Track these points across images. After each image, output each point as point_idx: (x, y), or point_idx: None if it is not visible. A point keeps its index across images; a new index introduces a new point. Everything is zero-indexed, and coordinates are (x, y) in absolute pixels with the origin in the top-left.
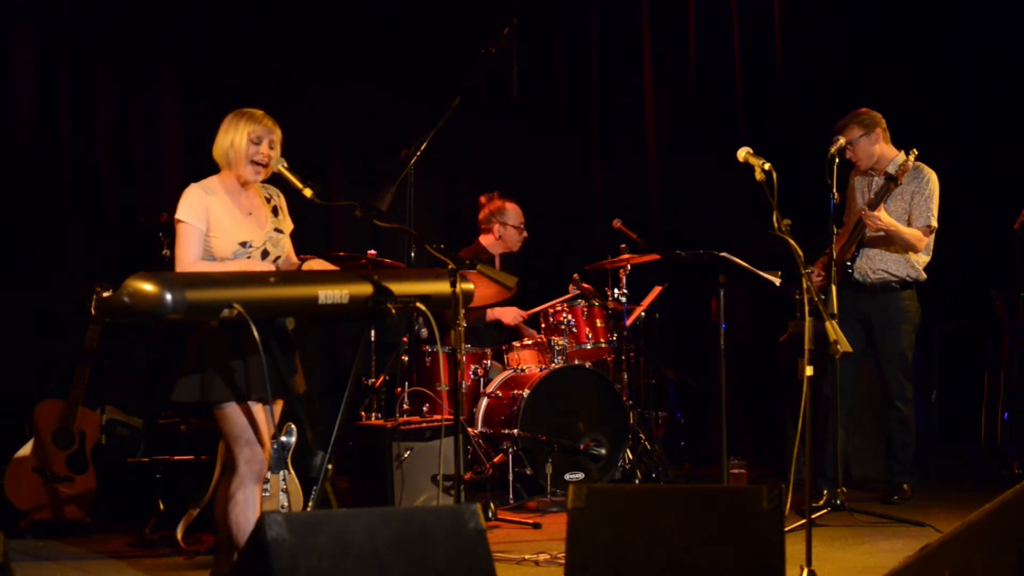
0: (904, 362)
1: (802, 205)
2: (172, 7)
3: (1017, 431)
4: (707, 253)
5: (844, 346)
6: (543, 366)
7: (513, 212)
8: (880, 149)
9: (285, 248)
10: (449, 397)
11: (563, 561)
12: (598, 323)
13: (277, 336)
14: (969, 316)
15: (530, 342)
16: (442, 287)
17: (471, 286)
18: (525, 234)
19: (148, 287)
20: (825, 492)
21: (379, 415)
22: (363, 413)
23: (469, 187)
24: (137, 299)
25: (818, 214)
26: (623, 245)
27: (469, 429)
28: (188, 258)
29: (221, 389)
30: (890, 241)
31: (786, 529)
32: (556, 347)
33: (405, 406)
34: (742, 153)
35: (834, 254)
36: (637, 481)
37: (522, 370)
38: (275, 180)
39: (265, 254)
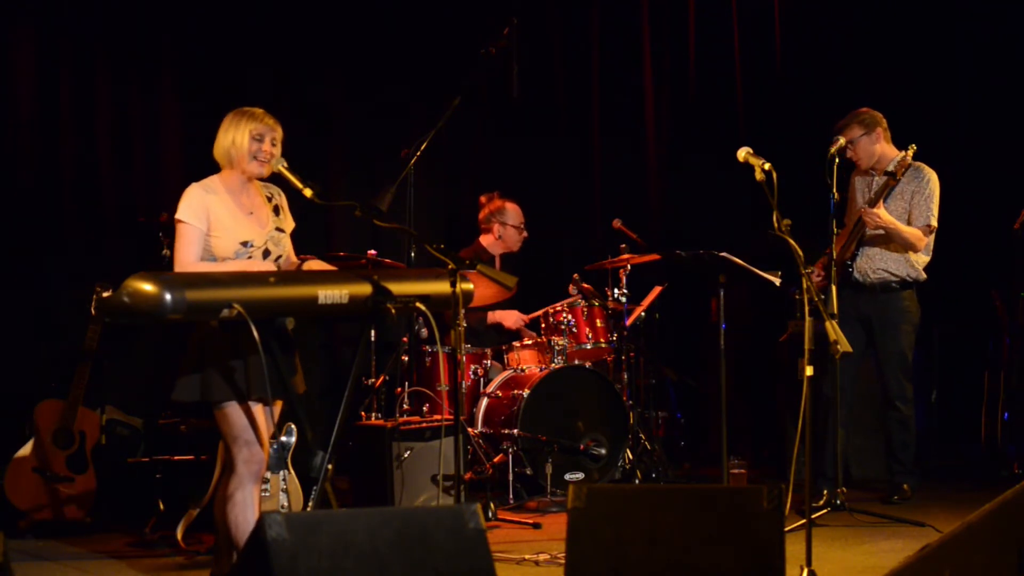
0: (904, 362)
1: (802, 205)
2: (172, 7)
3: (1017, 431)
4: (707, 253)
5: (844, 346)
6: (543, 366)
7: (513, 212)
8: (881, 149)
9: (286, 247)
10: (449, 397)
11: (563, 561)
12: (598, 323)
13: (277, 336)
14: (969, 316)
15: (530, 342)
16: (442, 287)
17: (471, 286)
18: (525, 234)
19: (148, 287)
20: (825, 492)
21: (379, 415)
22: (363, 413)
23: (469, 187)
24: (137, 299)
25: (818, 214)
26: (623, 245)
27: (469, 429)
28: (187, 258)
29: (221, 389)
30: (889, 240)
31: (786, 529)
32: (556, 347)
33: (405, 406)
34: (742, 153)
35: (834, 254)
36: (637, 481)
37: (522, 370)
38: (275, 180)
39: (266, 253)
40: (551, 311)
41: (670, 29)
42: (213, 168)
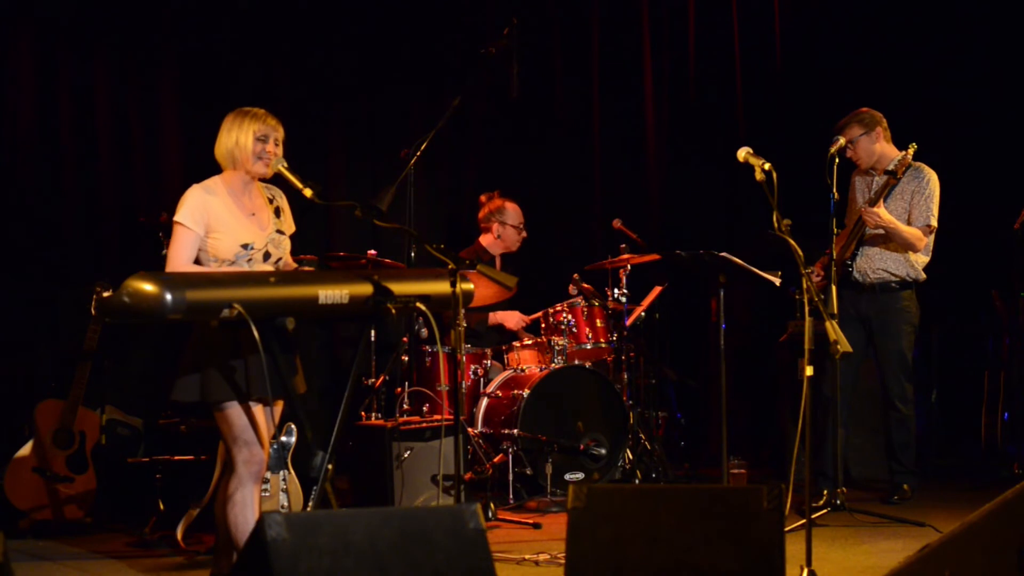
0: (904, 362)
1: (802, 205)
2: (172, 7)
3: (1017, 431)
4: (707, 253)
5: (844, 346)
6: (543, 366)
7: (513, 212)
8: (881, 148)
9: (286, 250)
10: (449, 397)
11: (563, 561)
12: (598, 323)
13: (277, 336)
14: (969, 316)
15: (530, 342)
16: (442, 287)
17: (471, 286)
18: (524, 234)
19: (148, 287)
20: (825, 492)
21: (379, 415)
22: (363, 413)
23: (469, 187)
24: (137, 299)
25: (818, 214)
26: (623, 245)
27: (469, 429)
28: (179, 260)
29: (221, 389)
30: (889, 240)
31: (786, 529)
32: (556, 347)
33: (405, 406)
34: (742, 153)
35: (834, 254)
36: (637, 481)
37: (522, 370)
38: (275, 180)
39: (267, 256)
40: (551, 311)
41: (670, 29)
42: (213, 168)
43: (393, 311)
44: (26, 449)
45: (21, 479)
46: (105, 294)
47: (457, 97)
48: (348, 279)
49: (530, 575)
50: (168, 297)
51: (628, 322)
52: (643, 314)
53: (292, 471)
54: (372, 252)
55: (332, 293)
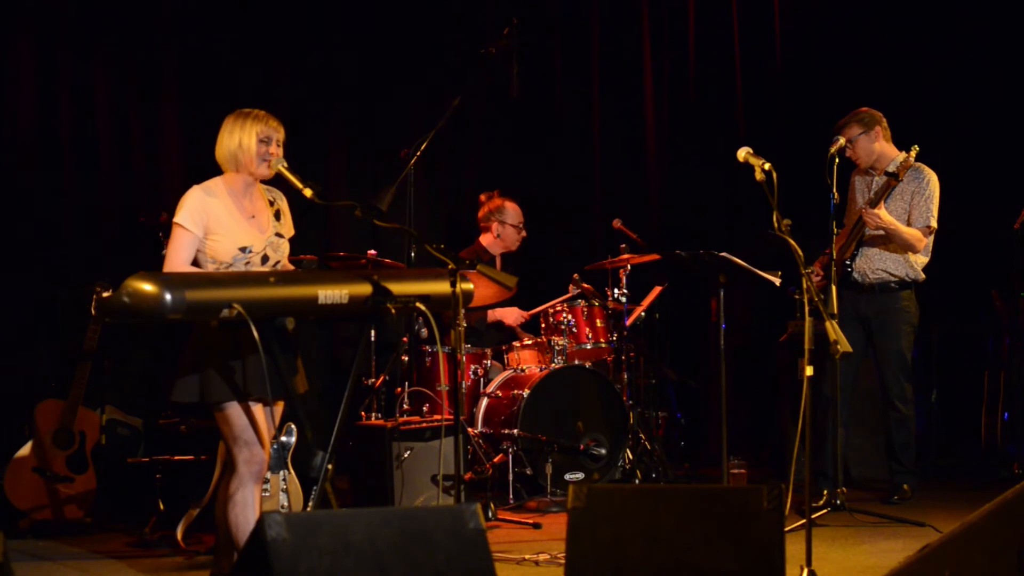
0: (903, 362)
1: (802, 205)
2: (172, 7)
3: (1017, 431)
4: (707, 253)
5: (844, 346)
6: (543, 366)
7: (512, 211)
8: (880, 148)
9: (284, 253)
10: (449, 397)
11: (563, 561)
12: (598, 323)
13: (277, 336)
14: (969, 316)
15: (530, 342)
16: (442, 287)
17: (471, 286)
18: (524, 233)
19: (148, 287)
20: (825, 492)
21: (379, 415)
22: (363, 413)
23: (469, 187)
24: (137, 299)
25: (818, 214)
26: (623, 245)
27: (469, 429)
28: (177, 261)
29: (220, 389)
30: (889, 240)
31: (786, 529)
32: (556, 347)
33: (405, 406)
34: (742, 153)
35: (834, 254)
36: (637, 481)
37: (522, 370)
38: (275, 180)
39: (265, 259)
40: (551, 310)
41: (670, 29)
42: (213, 169)
43: (393, 311)
44: (26, 449)
45: (21, 479)
46: (105, 294)
47: (457, 97)
48: (348, 279)
49: (530, 575)
50: (168, 297)
51: (628, 322)
52: (643, 314)
53: (292, 471)
54: (372, 252)
55: (332, 293)
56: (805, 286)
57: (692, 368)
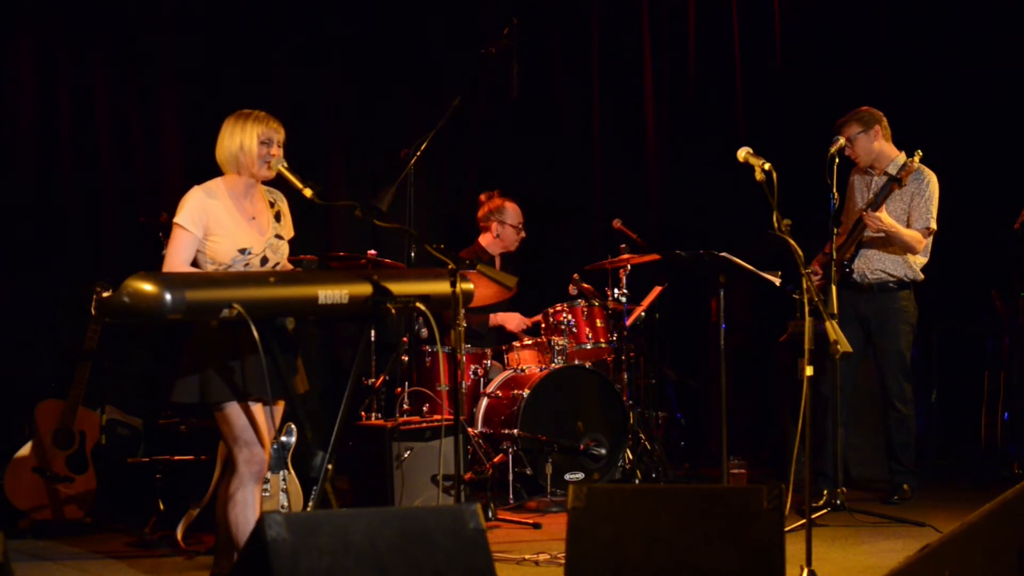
0: (902, 362)
1: (802, 205)
2: (172, 7)
3: (1017, 431)
4: (707, 253)
5: (844, 346)
6: (543, 366)
7: (512, 211)
8: (879, 147)
9: (284, 255)
10: (449, 397)
11: (563, 561)
12: (598, 323)
13: (277, 336)
14: (969, 316)
15: (530, 342)
16: (442, 287)
17: (471, 286)
18: (523, 234)
19: (148, 287)
20: (825, 492)
21: (379, 415)
22: (363, 413)
23: (469, 187)
24: (137, 299)
25: (818, 214)
26: (623, 245)
27: (469, 429)
28: (176, 261)
29: (220, 390)
30: (889, 242)
31: (786, 529)
32: (556, 347)
33: (405, 406)
34: (742, 153)
35: (834, 254)
36: (637, 481)
37: (522, 370)
38: (276, 181)
39: (264, 261)
40: (551, 311)
41: (670, 29)
42: (213, 168)
43: (393, 311)
44: (26, 449)
45: (21, 479)
46: (105, 294)
47: (457, 97)
48: (348, 279)
49: (530, 575)
50: (168, 297)
51: (628, 322)
52: (643, 314)
53: (292, 471)
54: (372, 252)
55: (332, 293)
56: (805, 286)
57: (692, 368)
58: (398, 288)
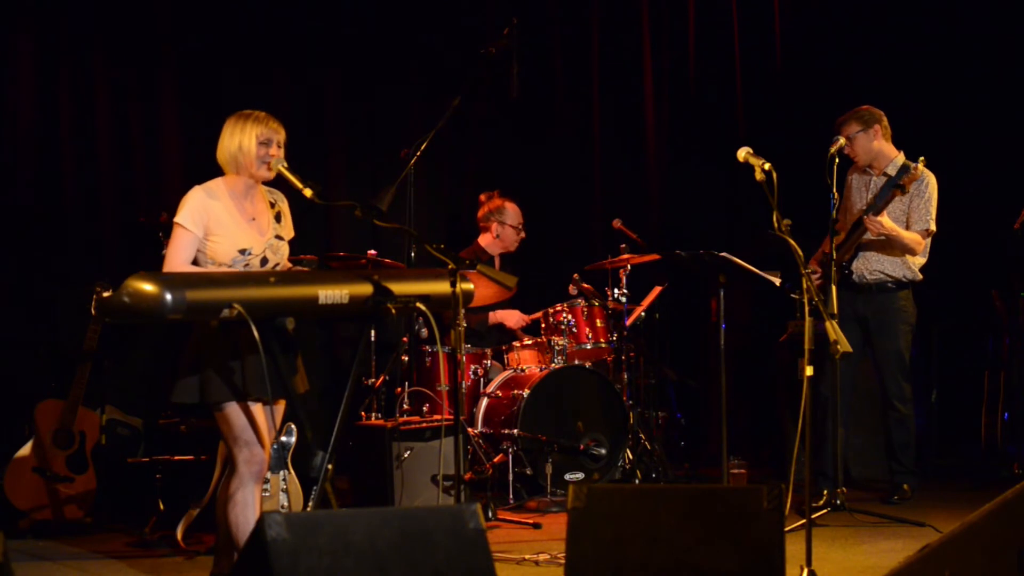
0: (901, 362)
1: (802, 205)
2: (172, 7)
3: (1017, 431)
4: (707, 253)
5: (844, 346)
6: (543, 366)
7: (512, 212)
8: (878, 146)
9: (284, 255)
10: (449, 397)
11: (563, 561)
12: (598, 323)
13: (277, 336)
14: (969, 316)
15: (530, 342)
16: (442, 287)
17: (471, 286)
18: (523, 234)
19: (148, 287)
20: (825, 492)
21: (379, 415)
22: (363, 413)
23: (469, 187)
24: (137, 299)
25: (818, 214)
26: (623, 245)
27: (469, 429)
28: (177, 261)
29: (220, 390)
30: (889, 245)
31: (786, 529)
32: (556, 347)
33: (405, 406)
34: (742, 153)
35: (834, 254)
36: (637, 481)
37: (522, 370)
38: (276, 181)
39: (264, 261)
40: (551, 311)
41: (670, 29)
42: (213, 168)
43: (393, 311)
44: (26, 449)
45: (21, 479)
46: (105, 294)
47: (457, 97)
48: (348, 279)
49: (530, 575)
50: (168, 297)
51: (628, 322)
52: (643, 314)
53: (292, 471)
54: (372, 252)
55: (332, 293)
56: (805, 286)
57: (692, 368)
58: (398, 288)
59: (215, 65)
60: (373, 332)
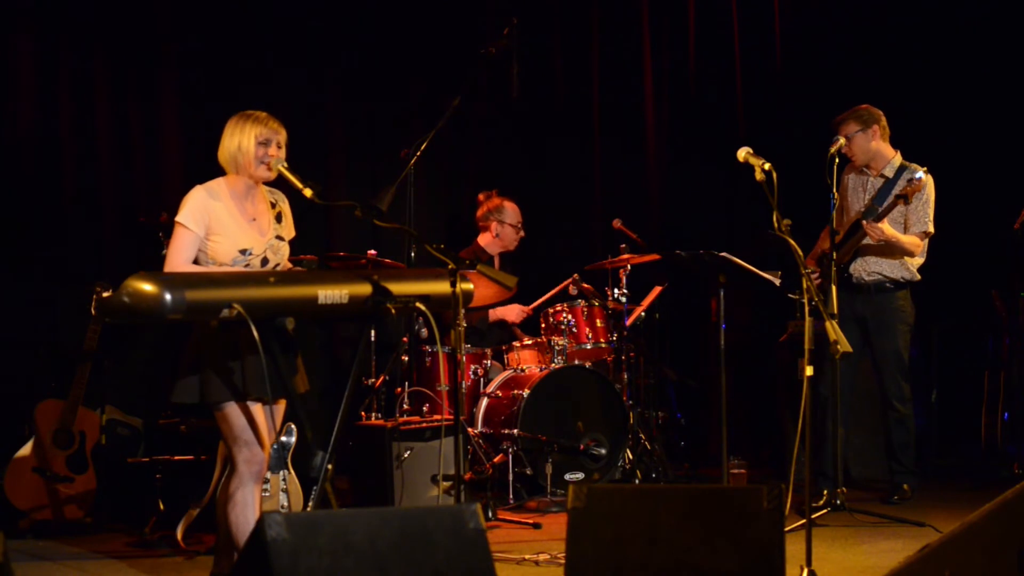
0: (900, 362)
1: (802, 205)
2: (172, 7)
3: (1017, 431)
4: (707, 253)
5: (844, 346)
6: (543, 366)
7: (511, 211)
8: (876, 146)
9: (284, 256)
10: (449, 397)
11: (563, 561)
12: (598, 323)
13: (277, 336)
14: (969, 316)
15: (530, 342)
16: (442, 287)
17: (471, 286)
18: (522, 233)
19: (148, 287)
20: (825, 492)
21: (379, 415)
22: (363, 413)
23: (469, 187)
24: (137, 299)
25: (818, 214)
26: (623, 245)
27: (469, 429)
28: (178, 260)
29: (220, 390)
30: (888, 248)
31: (786, 529)
32: (556, 347)
33: (405, 406)
34: (742, 153)
35: (833, 255)
36: (637, 481)
37: (522, 370)
38: (276, 181)
39: (264, 261)
40: (551, 311)
41: (670, 29)
42: (213, 168)
43: (393, 311)
44: (26, 449)
45: (21, 479)
46: (105, 294)
47: (457, 97)
48: (348, 279)
49: (530, 575)
50: (168, 297)
51: (628, 322)
52: (643, 314)
53: (292, 471)
54: (372, 252)
55: (332, 293)
56: (805, 286)
57: (692, 368)
58: (398, 288)
59: (215, 65)
60: (373, 332)
